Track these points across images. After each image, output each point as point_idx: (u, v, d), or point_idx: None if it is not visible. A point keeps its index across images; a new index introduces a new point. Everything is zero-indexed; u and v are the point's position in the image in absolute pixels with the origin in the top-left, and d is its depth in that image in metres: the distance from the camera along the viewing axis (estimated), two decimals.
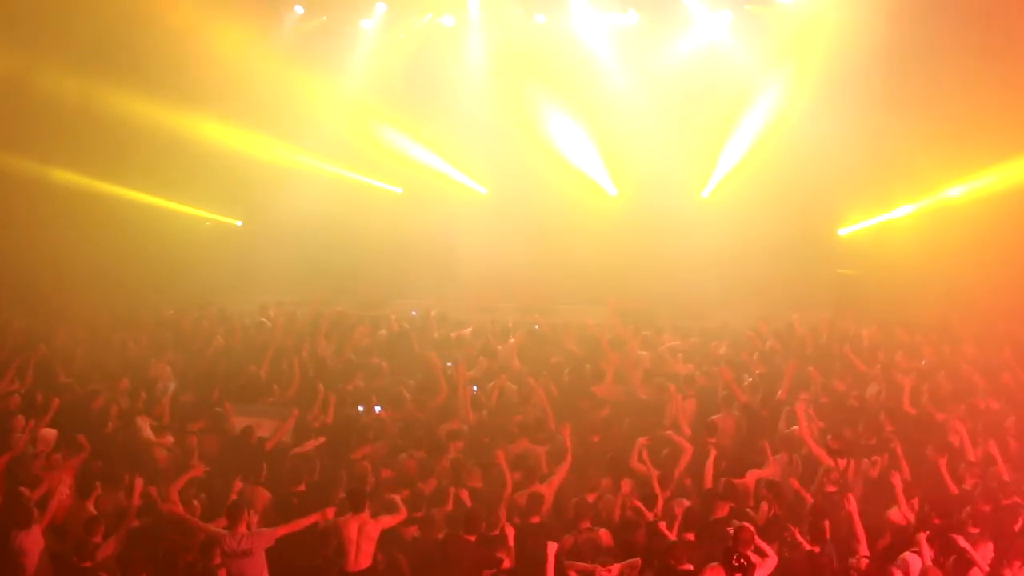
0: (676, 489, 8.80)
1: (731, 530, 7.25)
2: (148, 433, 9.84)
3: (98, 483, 8.37)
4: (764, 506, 8.22)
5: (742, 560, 6.76)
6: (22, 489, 8.06)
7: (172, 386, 11.87)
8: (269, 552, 7.50)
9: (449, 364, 12.56)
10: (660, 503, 8.24)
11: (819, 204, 18.10)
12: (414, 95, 19.69)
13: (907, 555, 7.36)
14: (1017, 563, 7.24)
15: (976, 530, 7.63)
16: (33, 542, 7.61)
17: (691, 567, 7.07)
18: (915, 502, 8.35)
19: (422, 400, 11.01)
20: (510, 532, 7.60)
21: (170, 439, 9.82)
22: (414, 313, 15.80)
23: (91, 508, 8.16)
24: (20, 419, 9.79)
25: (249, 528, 7.52)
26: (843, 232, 18.61)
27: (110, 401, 10.81)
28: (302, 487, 8.57)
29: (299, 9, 19.71)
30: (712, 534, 7.66)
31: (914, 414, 10.48)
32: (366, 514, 7.68)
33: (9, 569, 7.46)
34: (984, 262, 15.48)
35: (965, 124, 15.79)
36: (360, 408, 10.98)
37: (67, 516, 8.22)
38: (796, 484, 8.79)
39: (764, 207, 17.73)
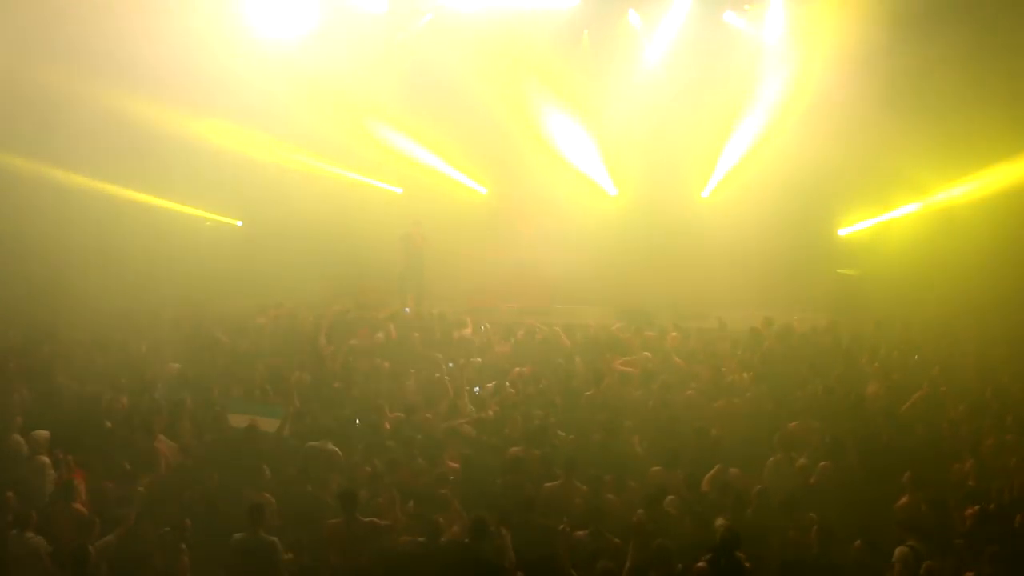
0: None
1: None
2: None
3: (81, 484, 8.32)
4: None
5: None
6: (9, 494, 8.01)
7: (172, 386, 11.85)
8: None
9: (450, 365, 12.58)
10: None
11: (819, 204, 18.11)
12: (414, 95, 19.68)
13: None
14: None
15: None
16: (31, 543, 7.56)
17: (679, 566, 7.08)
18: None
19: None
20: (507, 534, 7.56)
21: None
22: (407, 310, 15.79)
23: (80, 509, 8.12)
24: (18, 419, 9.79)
25: (260, 531, 7.48)
26: (843, 232, 18.61)
27: (110, 402, 10.80)
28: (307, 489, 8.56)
29: (299, 9, 19.71)
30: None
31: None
32: (359, 515, 7.68)
33: (8, 572, 7.41)
34: (983, 262, 15.49)
35: (966, 125, 15.79)
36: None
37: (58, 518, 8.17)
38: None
39: (764, 207, 17.72)
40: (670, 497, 8.32)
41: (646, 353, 13.14)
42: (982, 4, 16.26)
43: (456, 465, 9.11)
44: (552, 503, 8.28)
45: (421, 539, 7.55)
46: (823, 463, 8.93)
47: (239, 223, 20.20)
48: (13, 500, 8.02)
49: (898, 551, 7.17)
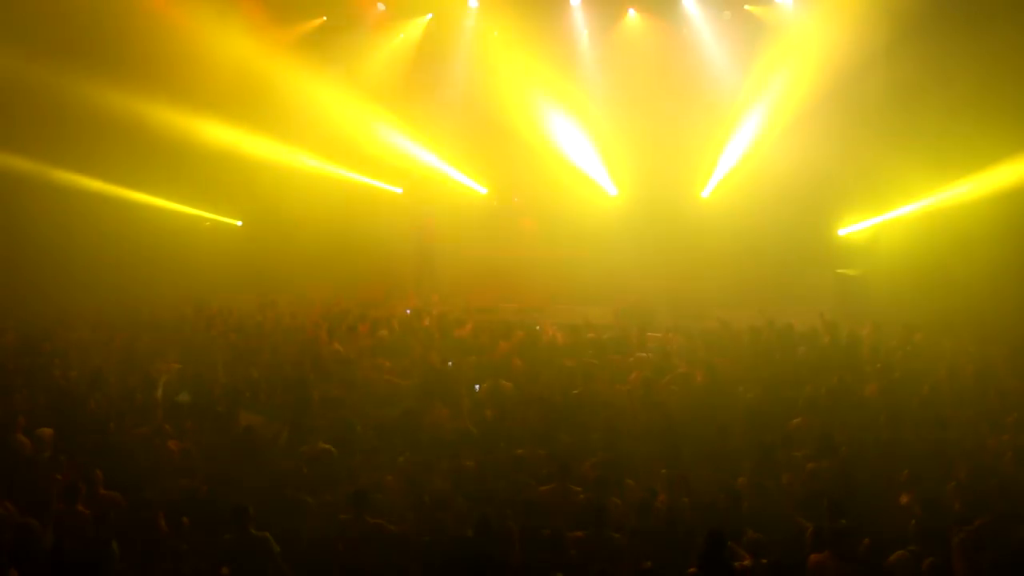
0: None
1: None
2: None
3: (82, 485, 8.32)
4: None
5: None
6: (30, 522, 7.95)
7: (172, 386, 11.85)
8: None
9: (449, 363, 12.58)
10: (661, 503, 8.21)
11: (819, 204, 18.12)
12: (414, 95, 19.70)
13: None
14: None
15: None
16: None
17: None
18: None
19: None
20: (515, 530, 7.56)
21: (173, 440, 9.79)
22: (408, 312, 15.81)
23: (82, 509, 8.12)
24: (21, 419, 9.78)
25: (250, 529, 7.48)
26: (843, 232, 18.62)
27: (111, 402, 10.80)
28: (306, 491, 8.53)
29: (299, 9, 19.75)
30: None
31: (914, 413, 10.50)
32: (369, 515, 7.69)
33: None
34: (984, 262, 15.48)
35: (967, 125, 15.78)
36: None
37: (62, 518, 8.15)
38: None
39: (764, 207, 17.74)
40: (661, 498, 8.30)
41: (642, 354, 13.12)
42: (982, 8, 16.27)
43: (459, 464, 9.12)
44: (548, 506, 8.24)
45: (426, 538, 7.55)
46: (822, 464, 8.89)
47: (239, 223, 20.20)
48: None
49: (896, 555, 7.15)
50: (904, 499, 8.16)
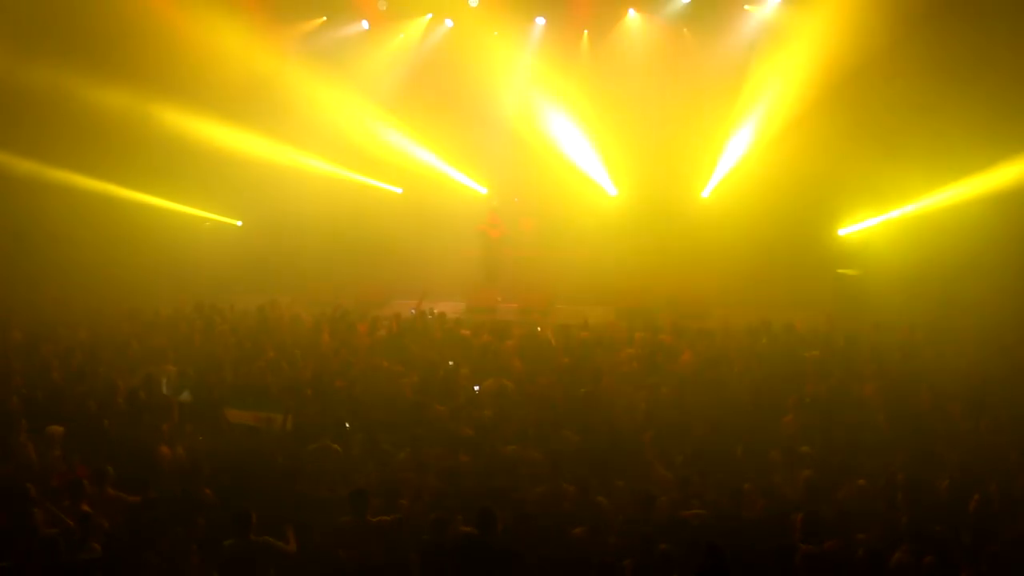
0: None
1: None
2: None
3: (85, 481, 8.31)
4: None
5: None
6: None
7: (172, 386, 11.85)
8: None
9: (450, 363, 12.58)
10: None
11: (819, 204, 18.11)
12: (414, 95, 19.71)
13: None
14: None
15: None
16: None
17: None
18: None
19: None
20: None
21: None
22: (412, 311, 15.84)
23: (87, 509, 8.10)
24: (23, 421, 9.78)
25: (254, 536, 7.42)
26: (843, 232, 18.62)
27: (110, 401, 10.78)
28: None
29: (300, 9, 19.75)
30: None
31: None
32: (368, 514, 7.69)
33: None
34: (984, 262, 15.49)
35: (967, 125, 15.78)
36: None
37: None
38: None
39: (764, 207, 17.73)
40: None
41: (629, 350, 13.11)
42: (981, 10, 16.29)
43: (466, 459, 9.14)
44: (542, 505, 8.23)
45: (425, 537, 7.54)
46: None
47: (239, 223, 20.21)
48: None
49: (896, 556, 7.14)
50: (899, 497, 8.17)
